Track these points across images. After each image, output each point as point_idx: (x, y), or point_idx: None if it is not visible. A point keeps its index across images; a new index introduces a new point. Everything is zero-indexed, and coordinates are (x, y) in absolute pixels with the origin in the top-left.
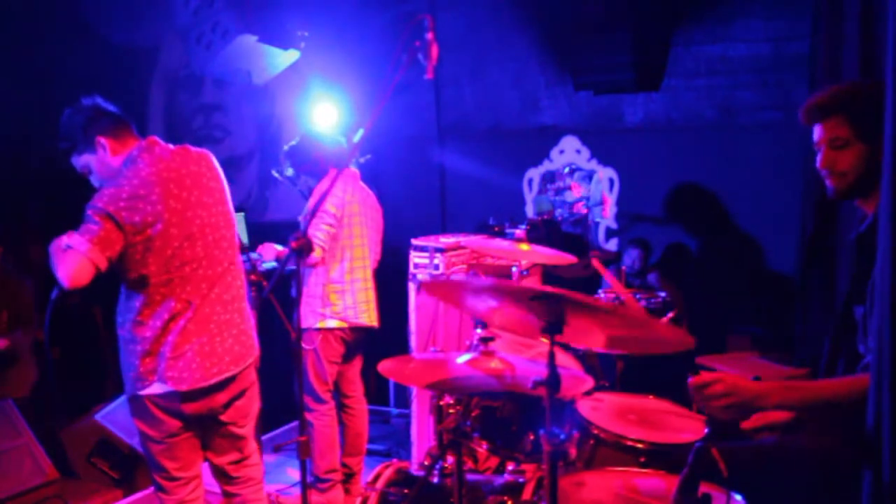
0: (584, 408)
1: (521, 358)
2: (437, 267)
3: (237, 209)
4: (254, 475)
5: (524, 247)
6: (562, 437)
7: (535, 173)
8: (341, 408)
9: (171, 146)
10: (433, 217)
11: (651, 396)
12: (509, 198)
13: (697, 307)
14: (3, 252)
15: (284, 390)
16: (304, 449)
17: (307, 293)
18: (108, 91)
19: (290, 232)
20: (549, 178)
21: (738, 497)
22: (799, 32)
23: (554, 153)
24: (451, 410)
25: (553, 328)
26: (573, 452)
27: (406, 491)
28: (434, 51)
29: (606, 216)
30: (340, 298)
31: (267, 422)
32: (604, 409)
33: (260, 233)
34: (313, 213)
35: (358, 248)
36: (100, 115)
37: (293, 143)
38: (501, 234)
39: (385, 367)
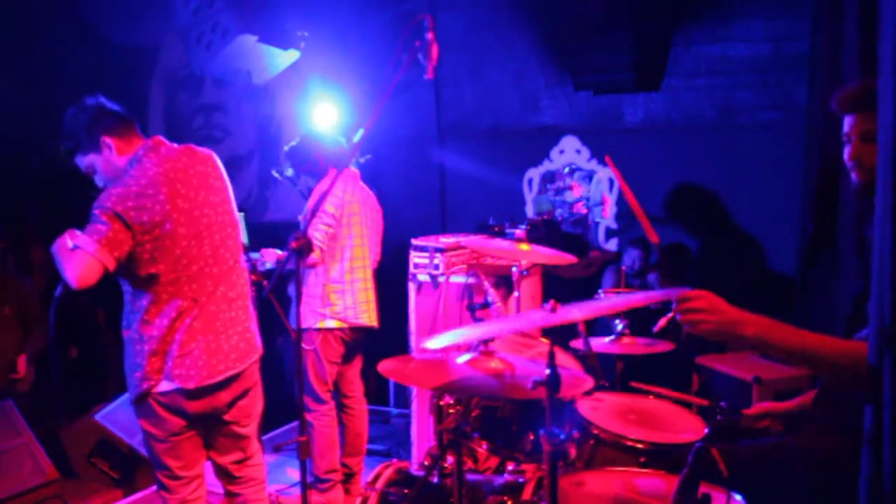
0: (584, 408)
1: (521, 358)
2: (436, 267)
3: (237, 209)
4: (256, 475)
5: (524, 247)
6: (562, 437)
7: (535, 173)
8: (341, 408)
9: (176, 146)
10: (433, 217)
11: (651, 396)
12: (509, 198)
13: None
14: (3, 250)
15: (284, 390)
16: (304, 449)
17: (307, 293)
18: (108, 91)
19: (289, 232)
20: (549, 178)
21: (738, 497)
22: (799, 32)
23: (554, 153)
24: (451, 410)
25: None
26: (573, 452)
27: (406, 491)
28: (434, 51)
29: (606, 216)
30: (340, 298)
31: (267, 422)
32: (604, 409)
33: (260, 233)
34: (313, 214)
35: (358, 248)
36: (104, 115)
37: (293, 143)
38: (501, 234)
39: (385, 367)
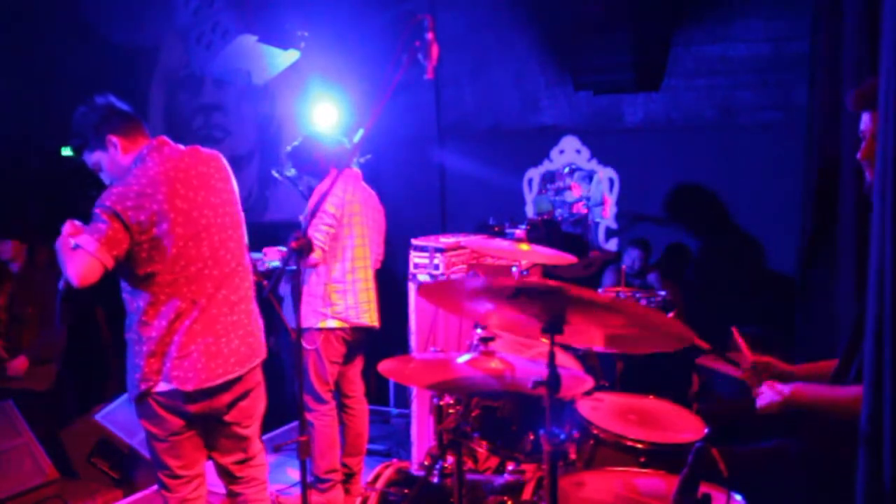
0: (584, 408)
1: (521, 358)
2: (436, 267)
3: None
4: (258, 475)
5: (524, 247)
6: (562, 437)
7: (535, 173)
8: (342, 408)
9: (181, 147)
10: (433, 217)
11: (651, 396)
12: (509, 198)
13: (697, 307)
14: (28, 250)
15: (285, 390)
16: (305, 449)
17: (309, 293)
18: (107, 91)
19: (289, 232)
20: (549, 178)
21: (738, 497)
22: (799, 32)
23: (554, 153)
24: (451, 410)
25: (553, 328)
26: (573, 452)
27: (406, 491)
28: (434, 51)
29: (606, 216)
30: (342, 298)
31: (267, 422)
32: (604, 409)
33: (260, 233)
34: (313, 214)
35: (359, 248)
36: (112, 114)
37: (295, 143)
38: (501, 234)
39: (385, 367)
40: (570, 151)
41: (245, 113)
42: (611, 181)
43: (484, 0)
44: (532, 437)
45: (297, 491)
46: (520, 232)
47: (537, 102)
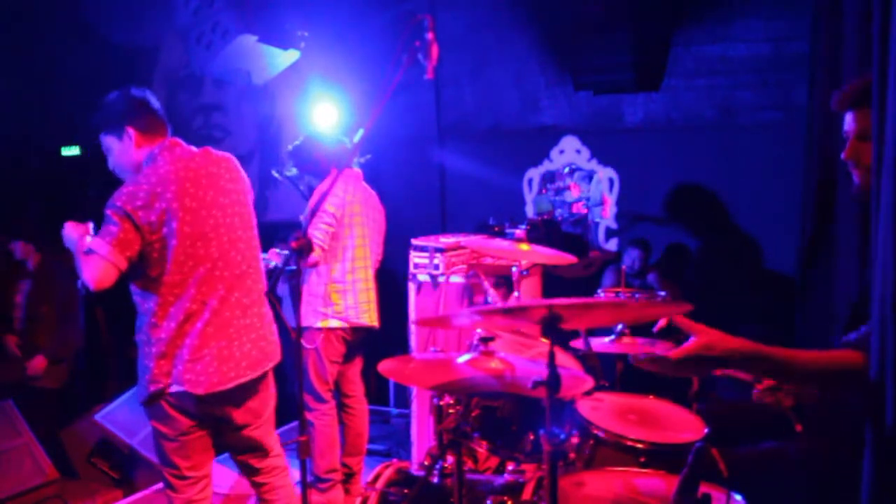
0: (584, 408)
1: (521, 358)
2: (436, 267)
3: None
4: (278, 464)
5: (524, 247)
6: (562, 437)
7: (535, 173)
8: (342, 407)
9: (193, 148)
10: (433, 217)
11: (651, 396)
12: (509, 198)
13: (697, 307)
14: (43, 250)
15: (285, 390)
16: (305, 449)
17: (309, 292)
18: (107, 91)
19: (289, 232)
20: (549, 178)
21: (738, 497)
22: (799, 32)
23: (554, 153)
24: (451, 410)
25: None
26: (573, 452)
27: (406, 491)
28: (434, 51)
29: (606, 216)
30: (342, 298)
31: None
32: (604, 409)
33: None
34: (313, 213)
35: (359, 248)
36: (139, 108)
37: (296, 142)
38: (501, 234)
39: (385, 367)
40: (570, 151)
41: (245, 113)
42: (611, 181)
43: (484, 0)
44: (532, 437)
45: (297, 491)
46: (520, 232)
47: (537, 102)
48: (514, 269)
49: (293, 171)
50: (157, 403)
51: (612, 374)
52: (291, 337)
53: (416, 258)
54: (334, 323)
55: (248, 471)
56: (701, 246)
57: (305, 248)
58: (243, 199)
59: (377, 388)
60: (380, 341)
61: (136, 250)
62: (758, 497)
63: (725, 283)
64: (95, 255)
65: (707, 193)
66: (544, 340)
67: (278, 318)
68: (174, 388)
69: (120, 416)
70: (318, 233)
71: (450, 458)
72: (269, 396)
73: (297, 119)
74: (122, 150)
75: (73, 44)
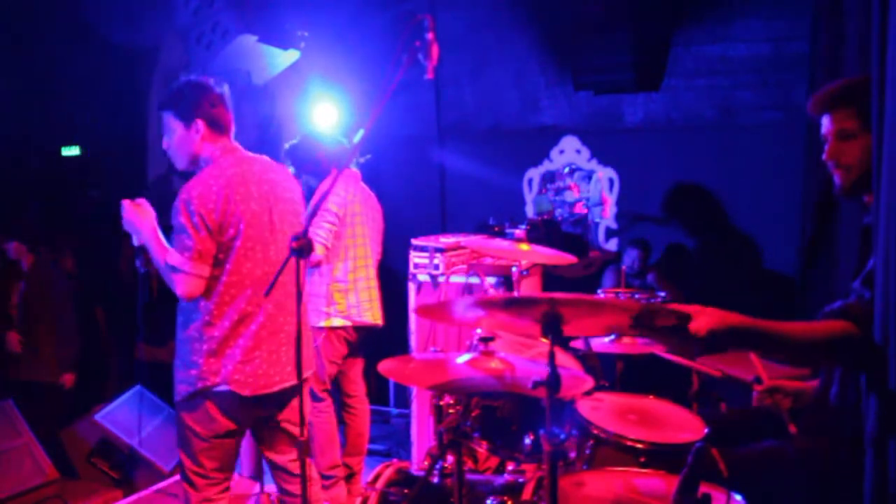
0: (584, 408)
1: (521, 358)
2: (436, 267)
3: None
4: (312, 474)
5: (524, 247)
6: (562, 437)
7: (535, 173)
8: (343, 407)
9: (250, 153)
10: (433, 217)
11: (651, 396)
12: (509, 198)
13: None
14: (46, 252)
15: None
16: (305, 449)
17: (311, 292)
18: (108, 91)
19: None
20: (549, 178)
21: (738, 497)
22: (799, 32)
23: (554, 153)
24: (451, 410)
25: (551, 329)
26: (573, 452)
27: (406, 491)
28: (434, 51)
29: (606, 216)
30: (344, 297)
31: None
32: (604, 409)
33: None
34: (314, 213)
35: (361, 248)
36: (215, 105)
37: (293, 142)
38: (501, 234)
39: (385, 367)
40: (570, 151)
41: (245, 113)
42: (611, 181)
43: (484, 0)
44: (532, 437)
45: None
46: (520, 232)
47: (537, 102)
48: (514, 269)
49: (291, 171)
50: (198, 402)
51: (612, 374)
52: None
53: (416, 258)
54: (337, 322)
55: (284, 475)
56: (701, 246)
57: (306, 248)
58: (298, 209)
59: (377, 388)
60: (380, 341)
61: (213, 255)
62: (758, 497)
63: (725, 283)
64: (180, 273)
65: (707, 193)
66: (544, 340)
67: None
68: (221, 388)
69: (120, 416)
70: (321, 231)
71: (450, 458)
72: (308, 394)
73: (297, 119)
74: (185, 138)
75: (73, 44)
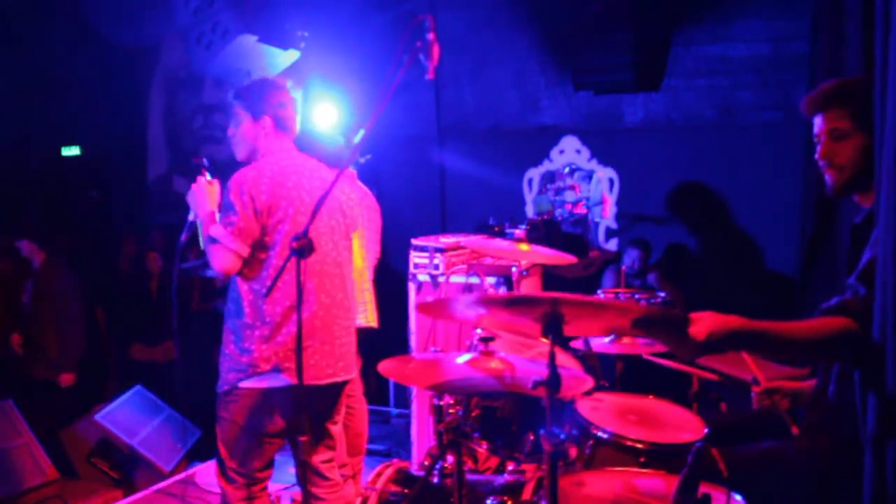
0: (584, 408)
1: (521, 358)
2: (436, 267)
3: None
4: (339, 480)
5: (524, 247)
6: (562, 437)
7: (535, 173)
8: None
9: (307, 154)
10: (433, 217)
11: (651, 396)
12: (509, 198)
13: (697, 307)
14: (53, 251)
15: None
16: (306, 449)
17: None
18: (108, 91)
19: None
20: (549, 178)
21: (738, 497)
22: (799, 32)
23: (554, 153)
24: (451, 410)
25: (552, 328)
26: (573, 452)
27: (406, 491)
28: (436, 51)
29: (606, 216)
30: None
31: None
32: (604, 409)
33: None
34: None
35: (357, 249)
36: (285, 106)
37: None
38: (501, 234)
39: (385, 367)
40: (570, 151)
41: None
42: (611, 181)
43: (484, 0)
44: (532, 437)
45: (297, 490)
46: (520, 232)
47: (537, 102)
48: (513, 269)
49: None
50: (252, 394)
51: (612, 374)
52: None
53: (416, 258)
54: None
55: (315, 477)
56: (701, 246)
57: (307, 248)
58: (346, 212)
59: (377, 388)
60: (380, 341)
61: (257, 235)
62: (758, 497)
63: (725, 283)
64: (220, 246)
65: (707, 193)
66: (544, 340)
67: None
68: (275, 382)
69: (120, 416)
70: None
71: (450, 458)
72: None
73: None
74: (250, 130)
75: (73, 44)
